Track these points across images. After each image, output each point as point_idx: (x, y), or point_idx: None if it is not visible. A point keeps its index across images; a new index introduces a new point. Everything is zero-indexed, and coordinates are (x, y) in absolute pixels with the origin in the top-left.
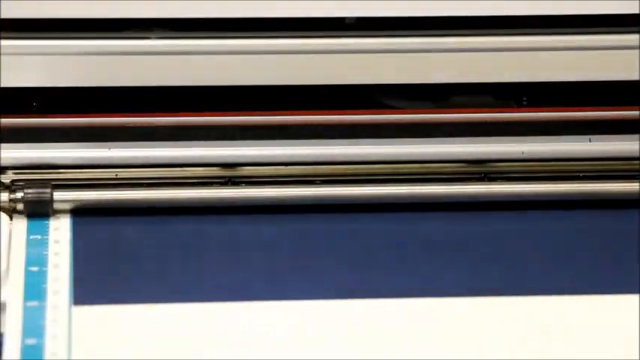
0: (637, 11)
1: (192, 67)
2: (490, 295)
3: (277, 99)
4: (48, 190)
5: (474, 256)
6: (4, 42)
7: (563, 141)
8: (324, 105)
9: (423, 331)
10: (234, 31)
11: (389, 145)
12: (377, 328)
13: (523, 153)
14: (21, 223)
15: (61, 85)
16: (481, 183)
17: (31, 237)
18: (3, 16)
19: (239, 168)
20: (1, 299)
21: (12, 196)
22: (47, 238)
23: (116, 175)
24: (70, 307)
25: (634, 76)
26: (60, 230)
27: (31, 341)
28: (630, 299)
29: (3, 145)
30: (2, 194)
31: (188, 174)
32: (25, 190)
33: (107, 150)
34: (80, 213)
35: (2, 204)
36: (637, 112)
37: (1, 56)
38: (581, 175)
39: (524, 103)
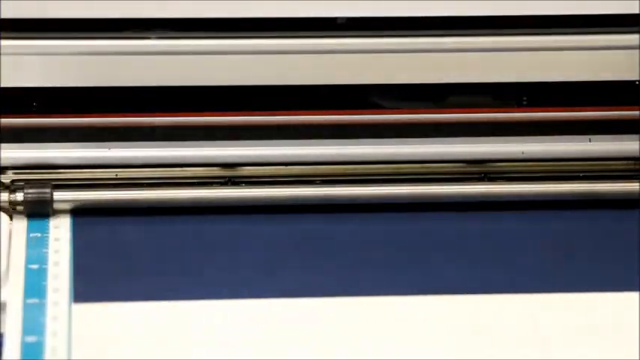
0: (637, 11)
1: (191, 67)
2: (490, 294)
3: (278, 99)
4: (48, 190)
5: (474, 255)
6: (4, 42)
7: (563, 141)
8: (324, 105)
9: (423, 331)
10: (234, 31)
11: (389, 145)
12: (377, 327)
13: (523, 153)
14: (21, 223)
15: (61, 85)
16: (481, 183)
17: (31, 235)
18: (3, 16)
19: (239, 168)
20: (2, 299)
21: (12, 196)
22: (47, 236)
23: (116, 175)
24: (70, 304)
25: (634, 76)
26: (60, 228)
27: (31, 338)
28: (630, 297)
29: (3, 145)
30: (2, 194)
31: (188, 174)
32: (25, 190)
33: (107, 150)
34: (80, 213)
35: (2, 204)
36: (637, 112)
37: (1, 56)
38: (581, 175)
39: (524, 103)
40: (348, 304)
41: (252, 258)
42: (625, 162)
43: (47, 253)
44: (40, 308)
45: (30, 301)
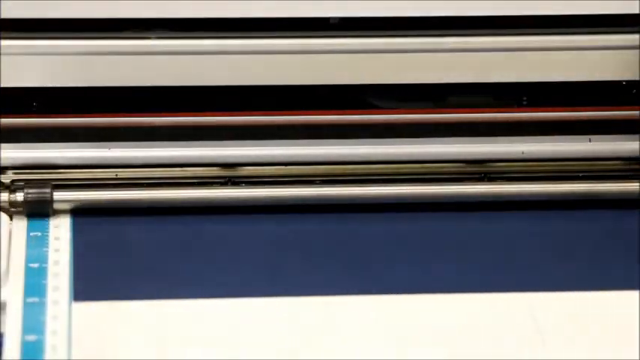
0: (637, 11)
1: (191, 67)
2: (490, 293)
3: (278, 99)
4: (48, 190)
5: (473, 255)
6: (4, 42)
7: (563, 141)
8: (324, 105)
9: (423, 330)
10: (234, 31)
11: (389, 145)
12: (377, 326)
13: (523, 153)
14: (21, 223)
15: (61, 85)
16: (481, 183)
17: (31, 234)
18: (3, 16)
19: (239, 168)
20: (2, 298)
21: (12, 196)
22: (47, 235)
23: (116, 175)
24: (70, 303)
25: (634, 76)
26: (60, 228)
27: (31, 337)
28: (630, 295)
29: (3, 145)
30: (2, 194)
31: (188, 174)
32: (25, 190)
33: (107, 150)
34: (80, 213)
35: (2, 204)
36: (637, 112)
37: (1, 56)
38: (581, 175)
39: (524, 103)
40: (348, 304)
41: (252, 258)
42: (625, 162)
43: (47, 251)
44: (40, 307)
45: (30, 300)
